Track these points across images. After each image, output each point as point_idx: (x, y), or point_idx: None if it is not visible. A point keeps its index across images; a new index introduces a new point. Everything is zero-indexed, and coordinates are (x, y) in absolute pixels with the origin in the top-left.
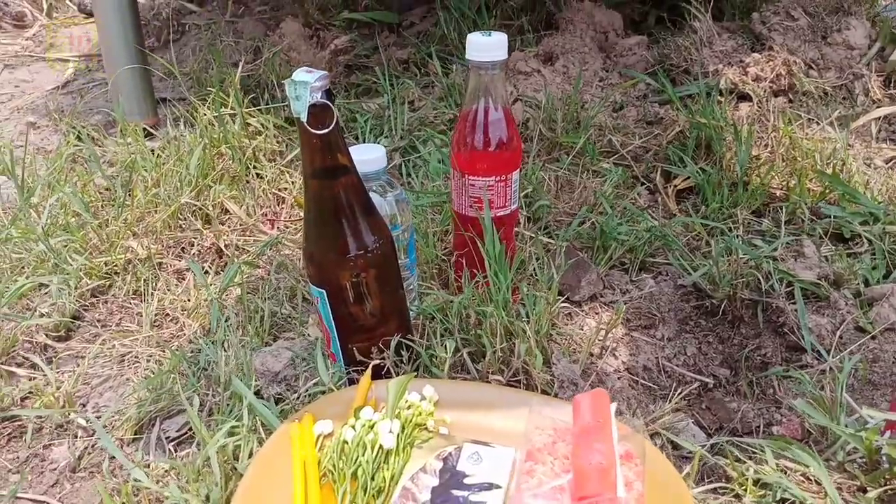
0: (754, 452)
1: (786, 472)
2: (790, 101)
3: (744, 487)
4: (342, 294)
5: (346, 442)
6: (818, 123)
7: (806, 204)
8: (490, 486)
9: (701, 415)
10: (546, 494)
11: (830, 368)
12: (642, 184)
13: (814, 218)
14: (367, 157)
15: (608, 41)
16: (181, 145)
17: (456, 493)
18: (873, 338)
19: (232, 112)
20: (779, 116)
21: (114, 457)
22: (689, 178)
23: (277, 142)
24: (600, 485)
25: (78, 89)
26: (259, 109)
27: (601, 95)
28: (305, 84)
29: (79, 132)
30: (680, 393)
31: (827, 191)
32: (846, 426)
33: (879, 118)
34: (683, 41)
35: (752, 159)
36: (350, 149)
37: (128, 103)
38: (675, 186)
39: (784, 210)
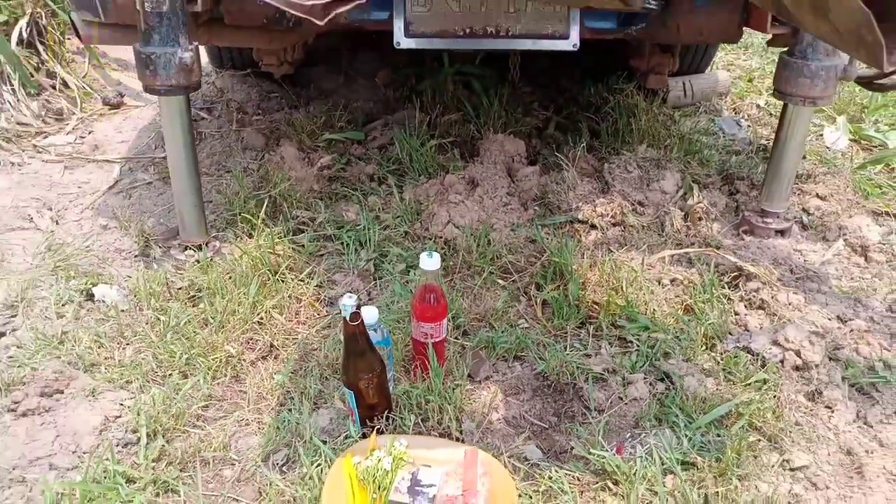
0: (562, 465)
1: (579, 479)
2: (623, 230)
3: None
4: (360, 392)
5: (367, 466)
6: (637, 249)
7: (609, 319)
8: (431, 485)
9: (541, 443)
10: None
11: (599, 421)
12: (524, 294)
13: (612, 327)
14: (369, 316)
15: (513, 166)
16: (234, 265)
17: (417, 488)
18: (626, 403)
19: (262, 240)
20: (611, 244)
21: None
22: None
23: (294, 256)
24: (465, 484)
25: (126, 189)
26: (281, 235)
27: (504, 219)
28: (347, 306)
29: (147, 238)
30: (530, 431)
31: (622, 309)
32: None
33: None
34: (558, 186)
35: (582, 285)
36: (362, 309)
37: (188, 226)
38: (541, 301)
39: (593, 325)
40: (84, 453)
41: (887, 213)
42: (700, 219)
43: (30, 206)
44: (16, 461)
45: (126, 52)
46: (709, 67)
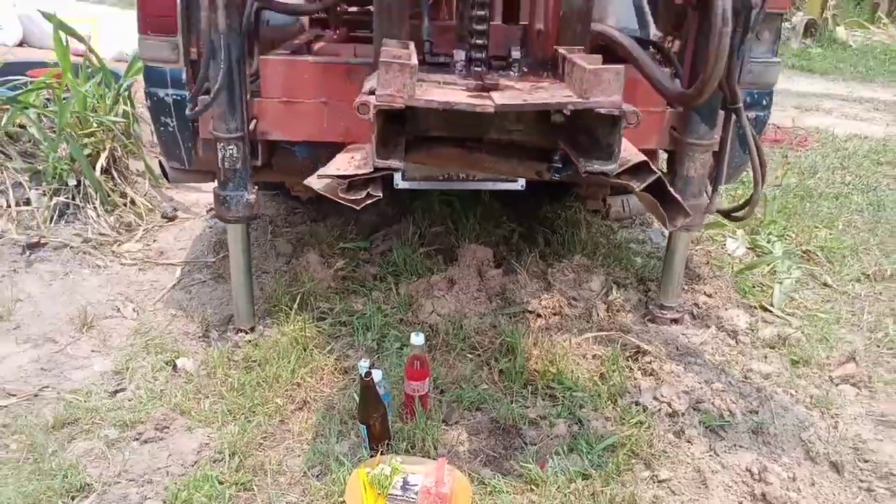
0: (503, 476)
1: (514, 485)
2: (560, 318)
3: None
4: (370, 427)
5: (374, 474)
6: (569, 332)
7: (544, 382)
8: (416, 484)
9: (492, 466)
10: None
11: (532, 450)
12: (486, 364)
13: (546, 387)
14: (376, 375)
15: (483, 269)
16: (276, 343)
17: (406, 486)
18: (551, 439)
19: (295, 325)
20: (551, 329)
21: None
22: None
23: (318, 337)
24: (436, 479)
25: (187, 286)
26: (309, 321)
27: (474, 309)
28: (363, 366)
29: (207, 323)
30: (485, 458)
31: (554, 376)
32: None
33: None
34: (514, 285)
35: (527, 358)
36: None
37: (242, 315)
38: (498, 369)
39: (532, 386)
40: (189, 465)
41: (757, 307)
42: (617, 310)
43: (116, 299)
44: (144, 470)
45: None
46: None
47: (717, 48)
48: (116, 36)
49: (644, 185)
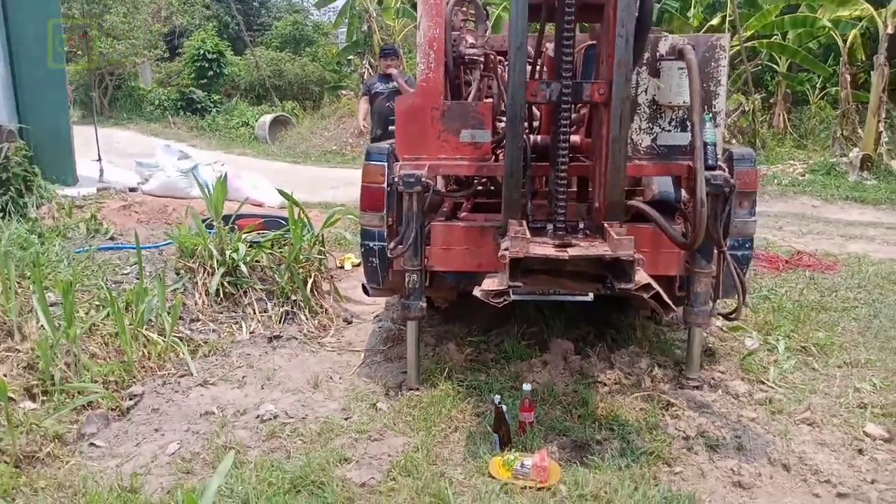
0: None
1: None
2: (619, 386)
3: None
4: (501, 436)
5: (506, 459)
6: (624, 395)
7: (607, 422)
8: (529, 465)
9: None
10: None
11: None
12: (565, 408)
13: (607, 430)
14: (504, 406)
15: (566, 356)
16: (438, 397)
17: (522, 466)
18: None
19: (443, 386)
20: (613, 392)
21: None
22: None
23: (454, 392)
24: (539, 458)
25: (369, 364)
26: (451, 385)
27: (560, 381)
28: (497, 398)
29: (386, 386)
30: (568, 455)
31: (607, 420)
32: None
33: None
34: (588, 366)
35: (596, 408)
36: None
37: (412, 379)
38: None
39: (601, 424)
40: (400, 454)
41: (756, 381)
42: (658, 381)
43: (329, 371)
44: (379, 453)
45: (354, 292)
46: None
47: (698, 218)
48: (274, 184)
49: (649, 294)
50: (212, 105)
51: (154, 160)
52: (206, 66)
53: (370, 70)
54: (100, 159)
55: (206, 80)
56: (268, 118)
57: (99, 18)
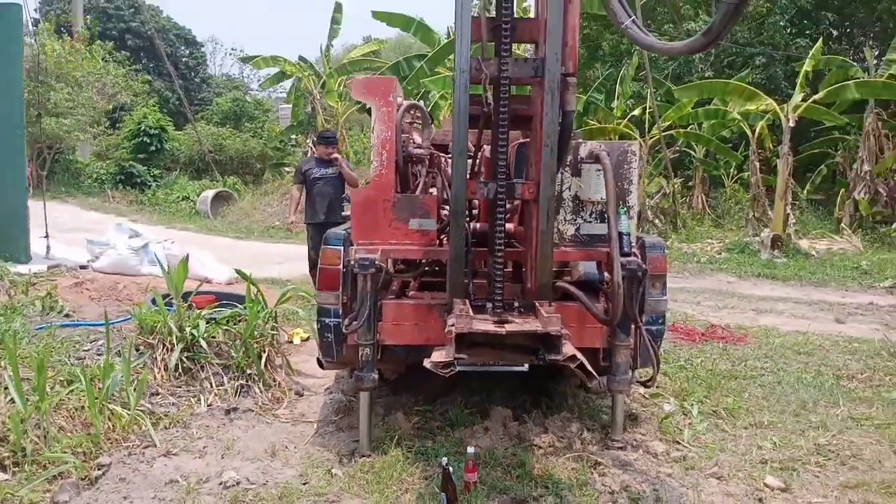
0: None
1: None
2: (553, 449)
3: None
4: (448, 495)
5: None
6: (557, 456)
7: (543, 480)
8: None
9: None
10: None
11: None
12: (503, 468)
13: (544, 482)
14: (450, 468)
15: (505, 422)
16: (387, 461)
17: None
18: None
19: (394, 451)
20: (547, 453)
21: None
22: None
23: (404, 458)
24: None
25: (322, 433)
26: (399, 453)
27: (500, 445)
28: (444, 461)
29: (339, 454)
30: None
31: (540, 478)
32: None
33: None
34: (524, 431)
35: (533, 468)
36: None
37: (364, 446)
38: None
39: (538, 482)
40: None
41: (672, 441)
42: (587, 443)
43: (285, 440)
44: None
45: (303, 365)
46: None
47: (616, 298)
48: (222, 260)
49: (575, 364)
50: (151, 179)
51: (105, 238)
52: (148, 140)
53: (313, 149)
54: (47, 236)
55: (146, 155)
56: (210, 193)
57: (44, 97)
